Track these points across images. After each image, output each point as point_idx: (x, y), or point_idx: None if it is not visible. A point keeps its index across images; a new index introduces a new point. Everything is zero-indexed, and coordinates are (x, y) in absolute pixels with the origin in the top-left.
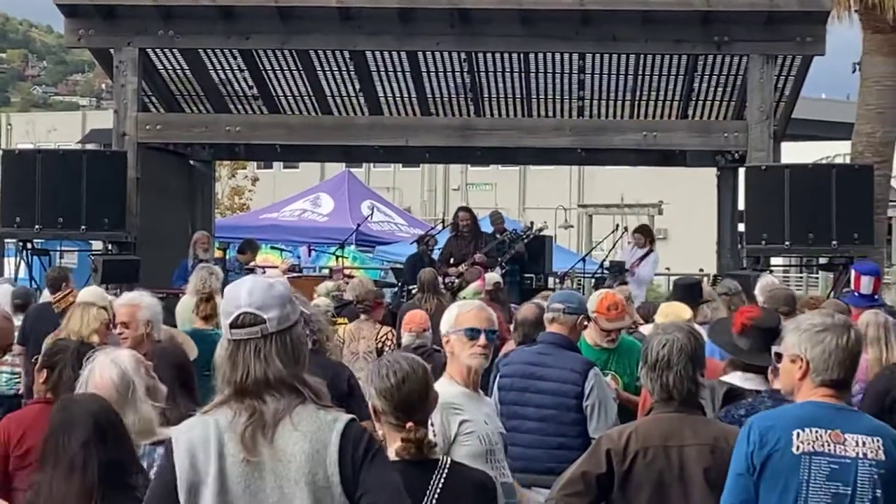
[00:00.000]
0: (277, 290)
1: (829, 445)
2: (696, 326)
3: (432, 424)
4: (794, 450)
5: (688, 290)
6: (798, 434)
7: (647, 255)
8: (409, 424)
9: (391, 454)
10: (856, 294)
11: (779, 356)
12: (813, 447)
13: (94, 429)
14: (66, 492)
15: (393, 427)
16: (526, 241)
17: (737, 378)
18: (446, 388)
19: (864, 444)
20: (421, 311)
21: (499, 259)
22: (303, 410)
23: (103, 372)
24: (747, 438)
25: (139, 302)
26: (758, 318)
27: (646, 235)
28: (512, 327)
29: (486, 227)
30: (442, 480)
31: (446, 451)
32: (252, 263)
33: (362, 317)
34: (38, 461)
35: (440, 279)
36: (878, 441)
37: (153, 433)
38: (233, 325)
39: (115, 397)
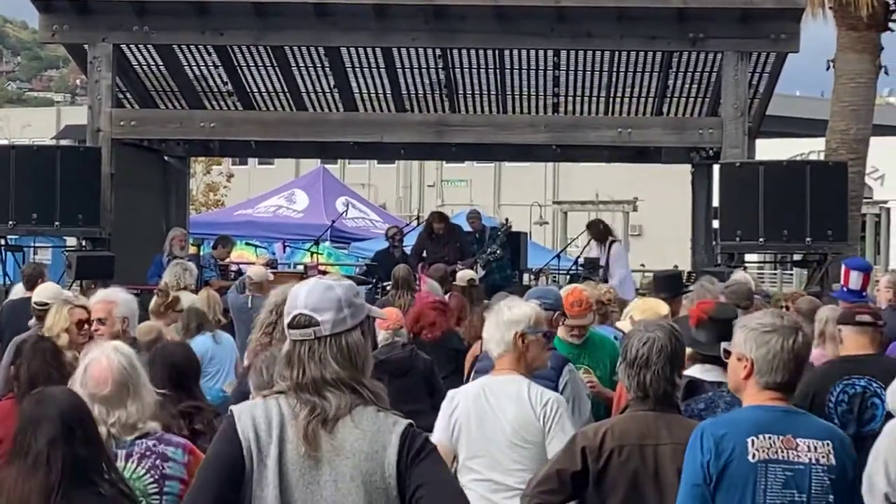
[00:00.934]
0: (335, 293)
1: (782, 452)
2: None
3: None
4: (749, 458)
5: (668, 282)
6: (753, 441)
7: (610, 251)
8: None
9: None
10: (844, 289)
11: (727, 353)
12: (768, 454)
13: (62, 425)
14: (29, 488)
15: None
16: (500, 242)
17: (697, 371)
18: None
19: (816, 449)
20: (395, 309)
21: (478, 261)
22: (363, 410)
23: (105, 360)
24: (701, 447)
25: (115, 298)
26: (713, 310)
27: (593, 230)
28: None
29: (463, 226)
30: None
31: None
32: (227, 260)
33: None
34: (6, 456)
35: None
36: (828, 445)
37: (145, 424)
38: (290, 326)
39: (119, 384)
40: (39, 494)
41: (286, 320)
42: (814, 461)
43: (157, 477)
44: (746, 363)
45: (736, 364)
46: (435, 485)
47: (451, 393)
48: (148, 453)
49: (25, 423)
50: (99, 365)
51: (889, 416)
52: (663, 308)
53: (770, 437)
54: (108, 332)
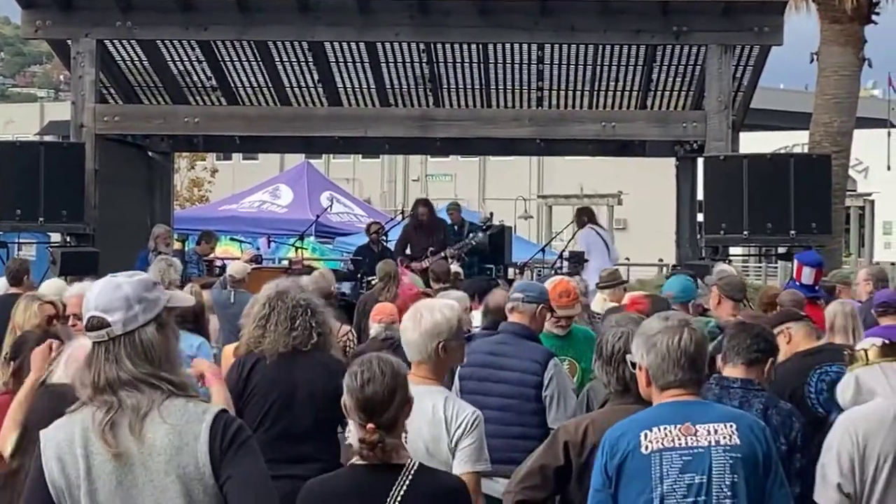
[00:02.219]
0: (123, 291)
1: (679, 440)
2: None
3: (406, 431)
4: (643, 450)
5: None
6: (646, 434)
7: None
8: (369, 426)
9: (354, 455)
10: (796, 284)
11: (633, 364)
12: (662, 444)
13: None
14: None
15: (357, 427)
16: (488, 233)
17: None
18: None
19: (716, 431)
20: (389, 303)
21: (451, 255)
22: (171, 404)
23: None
24: (601, 452)
25: None
26: (647, 309)
27: (574, 218)
28: (482, 312)
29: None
30: (405, 485)
31: None
32: (211, 255)
33: None
34: (13, 451)
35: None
36: (731, 426)
37: None
38: (86, 328)
39: None
40: None
41: (83, 324)
42: (714, 443)
43: None
44: (642, 371)
45: (639, 374)
46: (241, 478)
47: None
48: None
49: (42, 418)
50: (84, 349)
51: None
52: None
53: (665, 428)
54: None
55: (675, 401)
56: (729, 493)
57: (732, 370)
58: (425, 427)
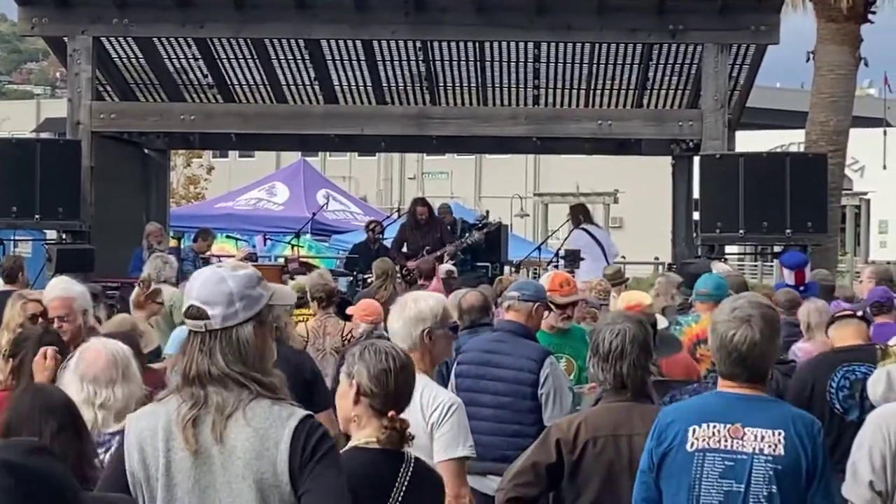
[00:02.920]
0: (227, 286)
1: (725, 441)
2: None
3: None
4: (688, 447)
5: (695, 279)
6: (694, 430)
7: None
8: (392, 413)
9: (363, 437)
10: (784, 284)
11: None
12: (708, 444)
13: (68, 416)
14: None
15: (374, 412)
16: (485, 232)
17: None
18: None
19: (762, 438)
20: (374, 301)
21: (458, 250)
22: (256, 405)
23: (100, 344)
24: (652, 433)
25: (72, 294)
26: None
27: (572, 214)
28: (457, 315)
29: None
30: (409, 473)
31: None
32: (208, 252)
33: (324, 312)
34: None
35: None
36: (779, 434)
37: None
38: (185, 315)
39: (110, 363)
40: None
41: (183, 308)
42: (757, 451)
43: None
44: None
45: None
46: (320, 493)
47: None
48: None
49: (28, 413)
50: (94, 348)
51: None
52: (647, 299)
53: (715, 426)
54: (72, 327)
55: (730, 392)
56: None
57: None
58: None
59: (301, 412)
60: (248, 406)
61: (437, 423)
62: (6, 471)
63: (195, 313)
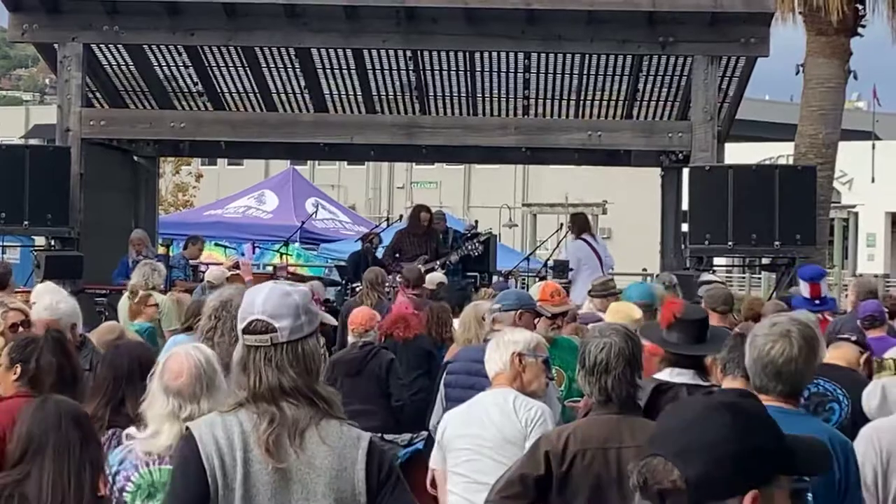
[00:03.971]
0: (293, 299)
1: None
2: None
3: None
4: None
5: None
6: None
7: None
8: None
9: None
10: (801, 297)
11: None
12: None
13: (84, 427)
14: (63, 486)
15: None
16: (481, 240)
17: (666, 374)
18: None
19: None
20: (365, 309)
21: (448, 260)
22: (328, 424)
23: (183, 355)
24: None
25: (58, 315)
26: (683, 311)
27: (571, 223)
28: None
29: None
30: None
31: None
32: (197, 260)
33: None
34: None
35: (387, 276)
36: None
37: None
38: (245, 331)
39: (194, 377)
40: (77, 493)
41: (241, 325)
42: None
43: None
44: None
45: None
46: None
47: (439, 422)
48: None
49: (55, 422)
50: (177, 359)
51: (854, 421)
52: (636, 312)
53: None
54: None
55: (770, 405)
56: None
57: (732, 382)
58: (496, 416)
59: (367, 434)
60: (320, 424)
61: (530, 420)
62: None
63: (260, 328)
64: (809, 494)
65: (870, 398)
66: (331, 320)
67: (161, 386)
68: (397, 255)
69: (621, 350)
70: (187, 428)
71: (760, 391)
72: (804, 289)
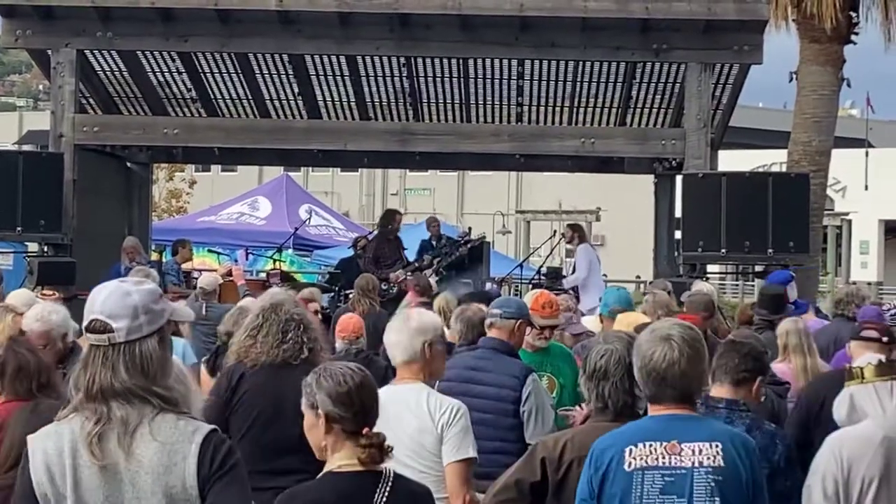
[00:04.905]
0: (133, 299)
1: (663, 458)
2: None
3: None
4: (626, 467)
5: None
6: (630, 451)
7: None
8: (366, 430)
9: (338, 461)
10: None
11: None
12: (646, 462)
13: None
14: None
15: (348, 435)
16: (466, 247)
17: None
18: None
19: (700, 451)
20: (354, 317)
21: (439, 266)
22: (161, 420)
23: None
24: (588, 462)
25: (49, 325)
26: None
27: (573, 231)
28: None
29: (424, 233)
30: (387, 491)
31: None
32: (189, 264)
33: None
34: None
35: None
36: (716, 447)
37: None
38: (86, 329)
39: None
40: None
41: (83, 323)
42: (697, 464)
43: None
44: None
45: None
46: None
47: None
48: None
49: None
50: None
51: None
52: (644, 320)
53: (651, 445)
54: (52, 352)
55: (664, 415)
56: None
57: (719, 389)
58: (413, 420)
59: (206, 427)
60: (153, 421)
61: (447, 424)
62: None
63: (98, 327)
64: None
65: (839, 407)
66: (185, 316)
67: None
68: (378, 262)
69: (621, 358)
70: (27, 440)
71: (654, 402)
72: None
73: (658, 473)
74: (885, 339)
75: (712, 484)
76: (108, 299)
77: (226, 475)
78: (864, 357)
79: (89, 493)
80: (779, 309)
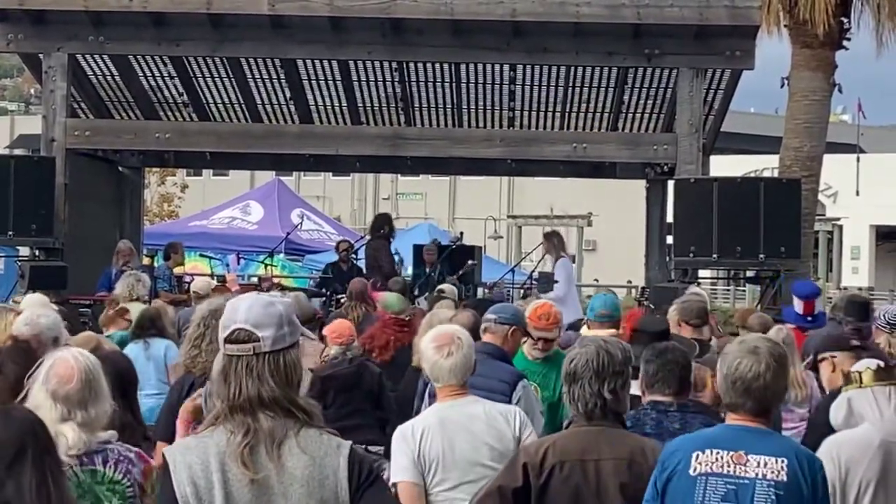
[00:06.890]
0: (276, 309)
1: (728, 466)
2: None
3: None
4: (690, 471)
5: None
6: (697, 455)
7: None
8: None
9: None
10: (792, 311)
11: None
12: (710, 468)
13: (48, 433)
14: (52, 489)
15: None
16: (452, 248)
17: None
18: None
19: (765, 464)
20: (346, 322)
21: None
22: (306, 433)
23: (72, 359)
24: (658, 463)
25: (38, 329)
26: (642, 322)
27: (549, 243)
28: None
29: (415, 238)
30: None
31: None
32: (180, 269)
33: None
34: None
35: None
36: (782, 462)
37: (104, 431)
38: (227, 340)
39: (84, 383)
40: (59, 492)
41: (223, 334)
42: (760, 476)
43: (131, 482)
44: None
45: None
46: None
47: (406, 429)
48: (121, 458)
49: (26, 428)
50: (65, 363)
51: None
52: None
53: (718, 453)
54: (42, 358)
55: (736, 424)
56: None
57: (664, 398)
58: (484, 430)
59: (347, 442)
60: (299, 434)
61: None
62: None
63: (243, 337)
64: None
65: (837, 411)
66: (310, 335)
67: (47, 391)
68: (381, 267)
69: (588, 361)
70: (164, 454)
71: (740, 411)
72: (798, 305)
73: (721, 481)
74: (868, 348)
75: (773, 497)
76: (251, 309)
77: (372, 485)
78: (863, 362)
79: None
80: (865, 317)
